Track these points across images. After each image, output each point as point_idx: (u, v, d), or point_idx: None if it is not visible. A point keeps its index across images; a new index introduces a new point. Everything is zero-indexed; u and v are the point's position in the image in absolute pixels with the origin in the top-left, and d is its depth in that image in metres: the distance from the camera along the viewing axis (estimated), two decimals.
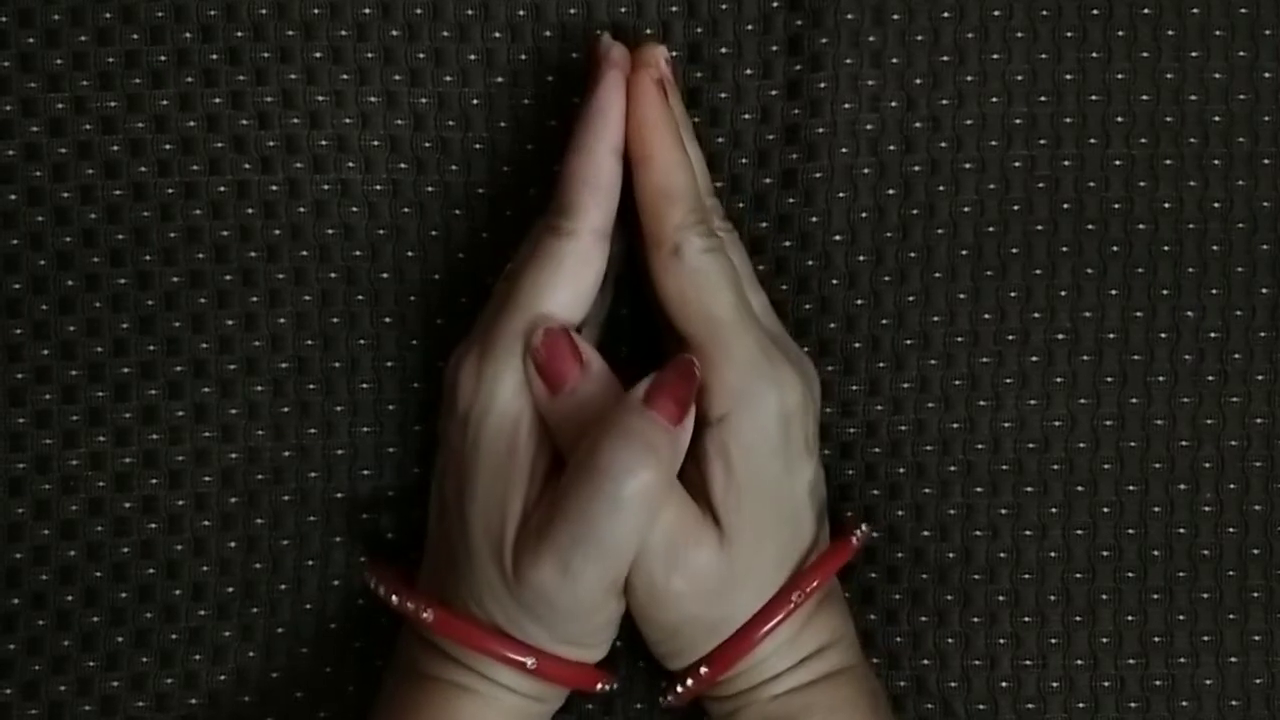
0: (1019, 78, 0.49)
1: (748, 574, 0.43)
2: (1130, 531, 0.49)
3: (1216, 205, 0.49)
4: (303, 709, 0.49)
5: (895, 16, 0.48)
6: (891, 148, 0.49)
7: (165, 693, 0.49)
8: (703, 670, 0.44)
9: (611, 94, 0.43)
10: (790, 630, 0.44)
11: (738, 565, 0.43)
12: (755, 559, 0.43)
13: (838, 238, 0.49)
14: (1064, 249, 0.49)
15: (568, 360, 0.42)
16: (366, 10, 0.48)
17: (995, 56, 0.49)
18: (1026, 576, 0.49)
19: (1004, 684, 0.49)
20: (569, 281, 0.43)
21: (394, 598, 0.44)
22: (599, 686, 0.45)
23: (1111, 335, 0.49)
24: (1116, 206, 0.49)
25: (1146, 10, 0.49)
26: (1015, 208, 0.49)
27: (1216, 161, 0.49)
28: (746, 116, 0.48)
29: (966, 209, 0.49)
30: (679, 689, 0.45)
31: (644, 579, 0.42)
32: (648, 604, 0.43)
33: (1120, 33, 0.49)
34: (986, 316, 0.49)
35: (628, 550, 0.41)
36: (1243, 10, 0.49)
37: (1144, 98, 0.49)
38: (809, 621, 0.44)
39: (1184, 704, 0.49)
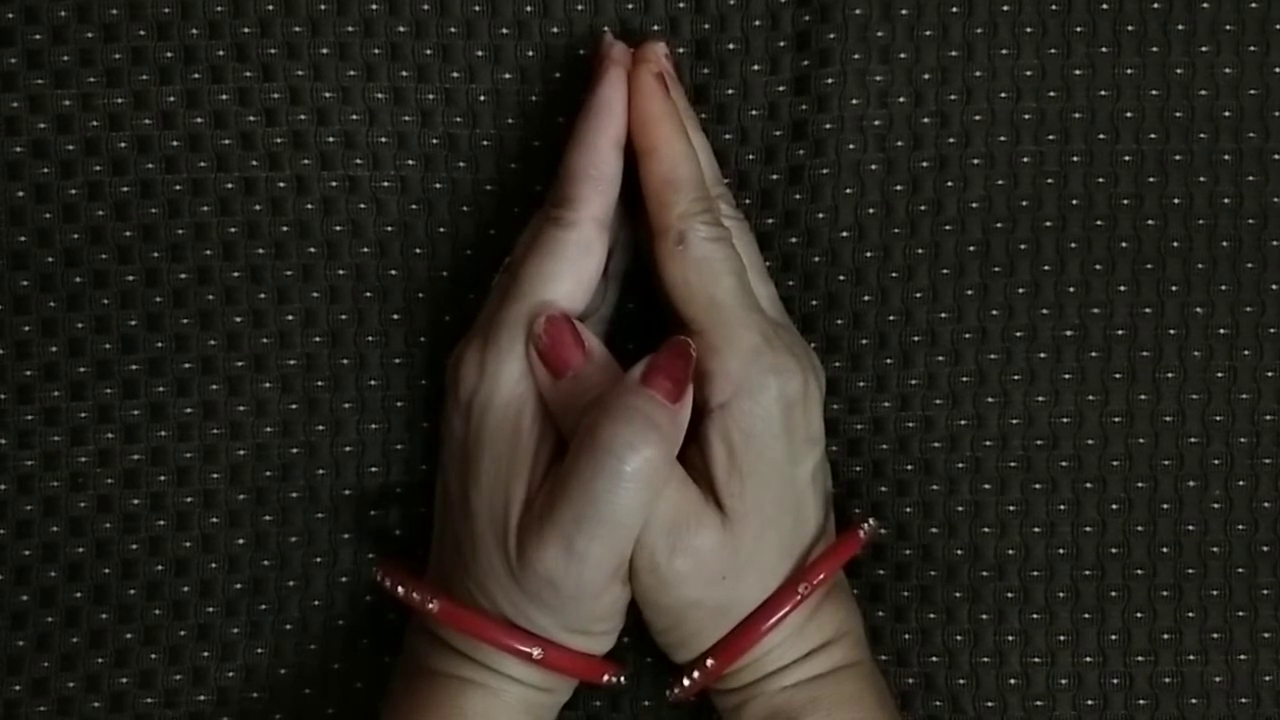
0: (1028, 73, 0.48)
1: (751, 559, 0.43)
2: (1139, 529, 0.49)
3: (1226, 201, 0.49)
4: (311, 705, 0.49)
5: (903, 11, 0.48)
6: (899, 143, 0.48)
7: (174, 689, 0.49)
8: (709, 662, 0.44)
9: (612, 89, 0.44)
10: (796, 622, 0.44)
11: (741, 550, 0.43)
12: (758, 545, 0.43)
13: (845, 234, 0.49)
14: (1072, 245, 0.49)
15: (570, 346, 0.42)
16: (374, 6, 0.48)
17: (1004, 52, 0.48)
18: (1035, 573, 0.49)
19: (1012, 681, 0.49)
20: (570, 270, 0.43)
21: (400, 589, 0.44)
22: (605, 678, 0.45)
23: (1120, 331, 0.49)
24: (1125, 202, 0.49)
25: (1156, 5, 0.48)
26: (1024, 203, 0.49)
27: (1226, 157, 0.49)
28: (754, 113, 0.48)
29: (975, 205, 0.49)
30: (685, 682, 0.45)
31: (647, 560, 0.42)
32: (652, 587, 0.43)
33: (1130, 27, 0.48)
34: (994, 313, 0.49)
35: (631, 528, 0.41)
36: (1253, 5, 0.49)
37: (1153, 93, 0.49)
38: (815, 615, 0.45)
39: (1193, 701, 0.49)
